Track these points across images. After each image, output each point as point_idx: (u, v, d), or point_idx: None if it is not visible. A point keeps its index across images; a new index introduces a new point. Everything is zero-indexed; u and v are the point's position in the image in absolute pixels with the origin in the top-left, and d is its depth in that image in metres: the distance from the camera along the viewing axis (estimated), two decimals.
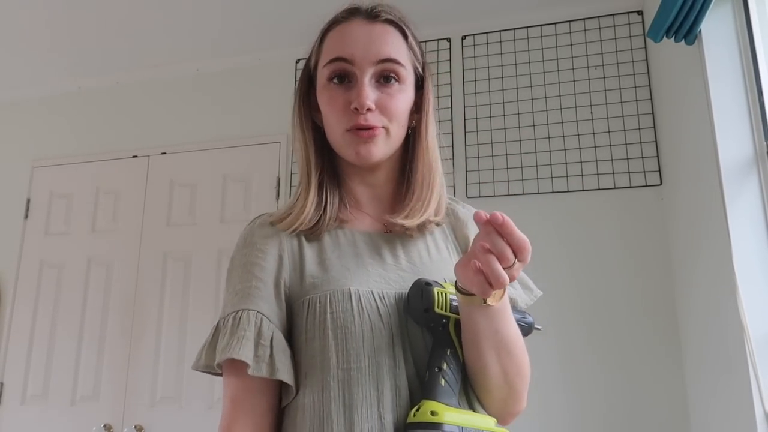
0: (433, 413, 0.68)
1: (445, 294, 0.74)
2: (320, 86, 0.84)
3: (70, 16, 2.47)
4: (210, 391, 2.42)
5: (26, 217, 2.86)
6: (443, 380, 0.72)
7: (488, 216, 0.63)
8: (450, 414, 0.68)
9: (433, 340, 0.76)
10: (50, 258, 2.77)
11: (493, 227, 0.63)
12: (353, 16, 0.83)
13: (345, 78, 0.80)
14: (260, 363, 0.72)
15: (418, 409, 0.70)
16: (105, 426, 2.48)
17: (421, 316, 0.74)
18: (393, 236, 0.85)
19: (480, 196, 2.32)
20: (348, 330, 0.74)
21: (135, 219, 2.72)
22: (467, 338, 0.74)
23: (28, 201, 2.88)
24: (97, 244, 2.73)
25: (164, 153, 2.77)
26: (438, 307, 0.73)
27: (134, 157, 2.80)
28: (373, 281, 0.78)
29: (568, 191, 2.25)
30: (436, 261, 0.85)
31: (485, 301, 0.69)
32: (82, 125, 2.93)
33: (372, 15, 0.83)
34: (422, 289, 0.74)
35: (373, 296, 0.76)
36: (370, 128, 0.78)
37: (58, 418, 2.55)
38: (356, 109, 0.78)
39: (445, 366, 0.73)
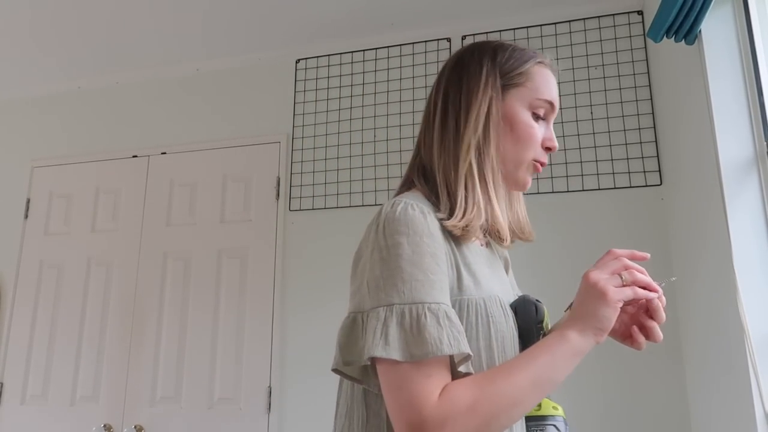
0: (554, 408, 0.81)
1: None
2: (517, 110, 0.90)
3: (70, 16, 2.47)
4: (210, 391, 2.42)
5: (26, 217, 2.86)
6: None
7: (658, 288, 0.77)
8: (560, 408, 0.82)
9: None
10: (50, 258, 2.77)
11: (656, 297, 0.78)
12: (548, 64, 0.93)
13: (538, 116, 0.91)
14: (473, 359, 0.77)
15: (539, 406, 0.82)
16: (105, 426, 2.48)
17: (533, 327, 0.86)
18: (489, 251, 0.95)
19: None
20: (504, 335, 0.82)
21: (135, 219, 2.72)
22: None
23: (28, 201, 2.88)
24: (97, 244, 2.73)
25: (164, 153, 2.77)
26: (545, 322, 0.87)
27: (134, 157, 2.80)
28: (500, 290, 0.87)
29: (568, 191, 2.25)
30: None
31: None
32: (82, 125, 2.93)
33: (555, 71, 0.94)
34: (536, 305, 0.87)
35: (507, 305, 0.85)
36: (543, 166, 0.92)
37: (58, 419, 2.56)
38: (548, 148, 0.91)
39: None
